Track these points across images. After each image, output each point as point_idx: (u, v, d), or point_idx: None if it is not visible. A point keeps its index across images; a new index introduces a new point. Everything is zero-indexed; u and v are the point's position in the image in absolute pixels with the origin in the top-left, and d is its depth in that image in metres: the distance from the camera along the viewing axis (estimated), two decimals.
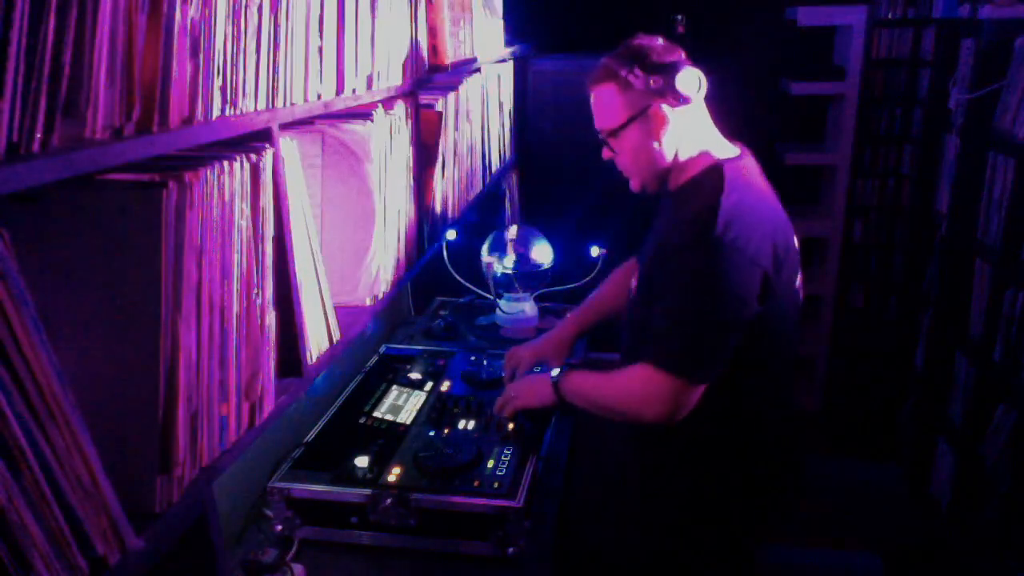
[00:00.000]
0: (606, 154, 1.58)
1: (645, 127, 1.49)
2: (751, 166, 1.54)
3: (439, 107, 1.81)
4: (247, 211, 0.95)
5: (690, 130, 1.51)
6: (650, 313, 1.45)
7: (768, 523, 1.65)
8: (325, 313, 1.23)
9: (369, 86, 1.39)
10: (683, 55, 1.52)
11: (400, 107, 1.53)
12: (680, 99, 1.47)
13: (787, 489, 1.68)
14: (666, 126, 1.48)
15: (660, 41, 1.52)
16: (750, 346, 1.42)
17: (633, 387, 1.45)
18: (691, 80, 1.47)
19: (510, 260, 2.40)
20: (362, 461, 1.55)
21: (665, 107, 1.47)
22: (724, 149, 1.54)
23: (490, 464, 1.58)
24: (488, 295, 2.39)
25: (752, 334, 1.41)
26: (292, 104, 1.09)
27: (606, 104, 1.52)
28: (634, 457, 1.67)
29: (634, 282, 1.60)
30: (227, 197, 0.90)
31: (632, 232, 2.89)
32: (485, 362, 2.02)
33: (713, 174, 1.46)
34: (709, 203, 1.39)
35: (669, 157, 1.51)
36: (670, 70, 1.46)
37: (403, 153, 1.56)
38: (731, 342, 1.40)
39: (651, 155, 1.51)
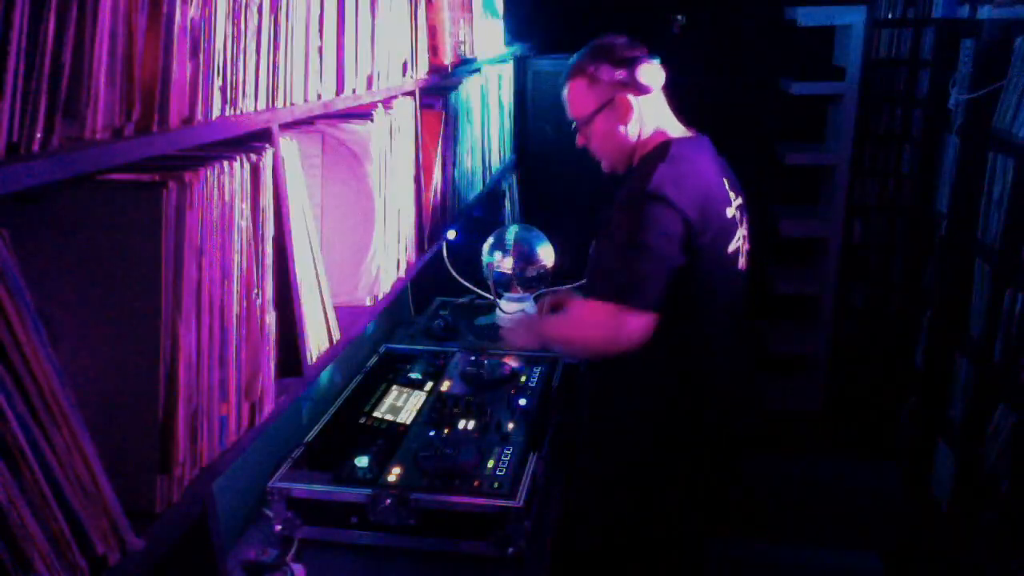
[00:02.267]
0: (580, 141, 1.80)
1: (612, 115, 1.69)
2: (699, 145, 1.74)
3: (439, 107, 1.81)
4: (247, 211, 0.95)
5: (650, 116, 1.72)
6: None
7: (704, 504, 1.83)
8: (325, 313, 1.23)
9: (369, 86, 1.39)
10: (645, 51, 1.72)
11: (400, 107, 1.53)
12: (641, 89, 1.68)
13: (722, 473, 1.86)
14: (630, 113, 1.68)
15: (624, 39, 1.73)
16: (678, 296, 1.58)
17: (584, 317, 1.68)
18: (651, 72, 1.68)
19: (510, 260, 2.40)
20: (362, 461, 1.55)
21: (629, 96, 1.67)
22: (678, 131, 1.74)
23: (490, 464, 1.58)
24: (488, 295, 2.39)
25: (679, 282, 1.57)
26: (292, 104, 1.09)
27: (577, 97, 1.73)
28: (590, 412, 1.85)
29: (594, 243, 1.80)
30: (227, 197, 0.90)
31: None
32: (485, 362, 2.02)
33: (661, 148, 1.66)
34: (650, 169, 1.59)
35: (633, 139, 1.72)
36: (632, 64, 1.67)
37: (403, 153, 1.56)
38: (659, 273, 1.55)
39: (617, 139, 1.71)
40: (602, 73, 1.68)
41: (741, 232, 1.73)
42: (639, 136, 1.72)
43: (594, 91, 1.69)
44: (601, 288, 1.61)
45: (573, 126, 1.78)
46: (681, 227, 1.55)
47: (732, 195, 1.71)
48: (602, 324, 1.58)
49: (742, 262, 1.75)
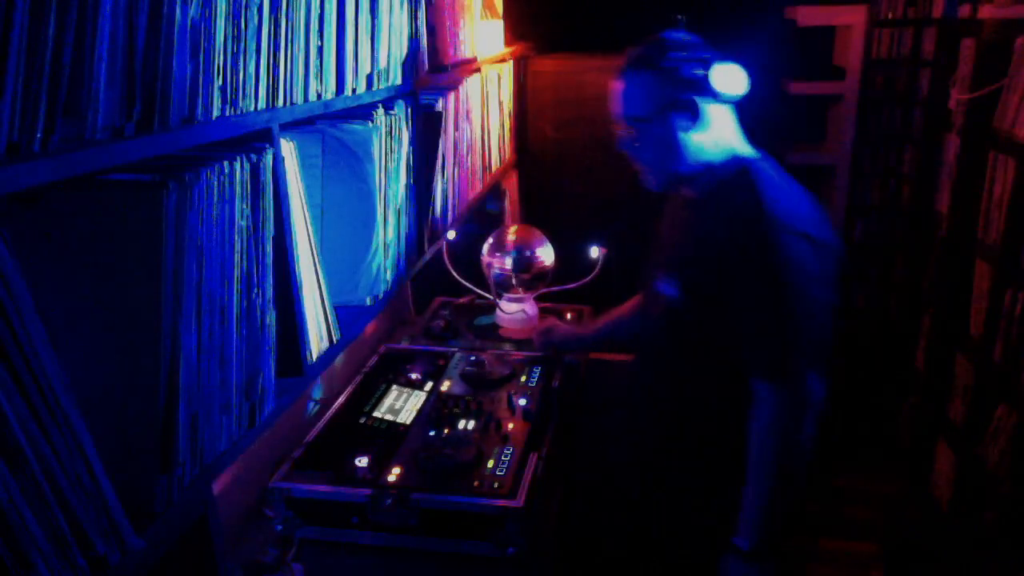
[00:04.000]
0: (622, 143, 1.50)
1: (675, 120, 1.43)
2: (776, 168, 1.50)
3: (439, 107, 1.81)
4: (247, 211, 0.95)
5: (720, 129, 1.46)
6: (703, 324, 1.43)
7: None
8: (325, 313, 1.23)
9: (369, 86, 1.39)
10: (718, 55, 1.48)
11: (400, 107, 1.53)
12: (716, 95, 1.43)
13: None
14: (698, 122, 1.43)
15: (697, 37, 1.48)
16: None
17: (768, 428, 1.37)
18: (731, 76, 1.43)
19: (510, 260, 2.40)
20: (362, 461, 1.55)
21: (700, 101, 1.42)
22: (747, 151, 1.50)
23: (490, 464, 1.58)
24: (488, 295, 2.39)
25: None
26: (292, 104, 1.09)
27: (637, 90, 1.45)
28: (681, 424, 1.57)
29: (665, 287, 1.49)
30: (227, 197, 0.90)
31: (632, 232, 2.90)
32: (485, 362, 2.02)
33: (745, 175, 1.42)
34: (751, 196, 1.37)
35: (694, 155, 1.46)
36: (709, 64, 1.42)
37: (403, 153, 1.56)
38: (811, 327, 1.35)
39: (677, 151, 1.45)
40: (674, 69, 1.42)
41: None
42: (702, 152, 1.46)
43: (659, 87, 1.43)
44: (767, 365, 1.36)
45: (621, 125, 1.50)
46: (818, 263, 1.36)
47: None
48: (776, 414, 1.35)
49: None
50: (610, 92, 1.49)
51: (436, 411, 1.80)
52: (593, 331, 2.01)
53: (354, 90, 1.32)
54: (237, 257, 0.93)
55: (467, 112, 2.12)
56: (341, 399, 1.86)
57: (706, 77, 1.41)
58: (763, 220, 1.33)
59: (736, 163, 1.45)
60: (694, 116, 1.42)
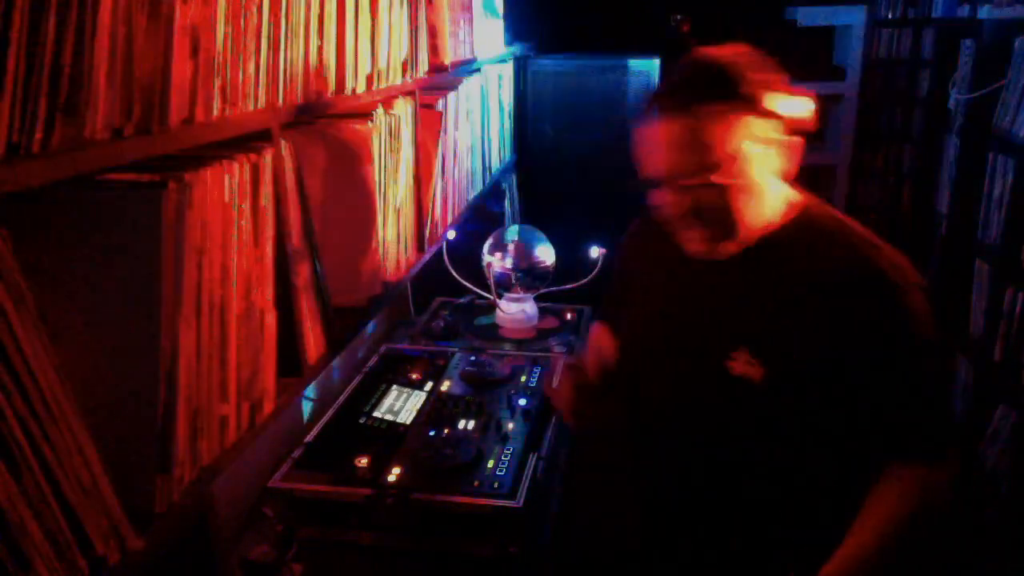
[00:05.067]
0: (664, 202, 1.16)
1: (760, 162, 1.13)
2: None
3: (439, 107, 1.81)
4: (247, 211, 0.95)
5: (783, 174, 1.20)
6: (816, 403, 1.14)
7: None
8: (325, 313, 1.23)
9: (369, 86, 1.39)
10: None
11: (400, 107, 1.53)
12: (800, 130, 1.16)
13: None
14: (787, 161, 1.17)
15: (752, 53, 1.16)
16: None
17: (916, 502, 1.14)
18: (809, 107, 1.17)
19: (510, 260, 2.40)
20: (362, 461, 1.55)
21: (791, 138, 1.15)
22: (795, 190, 1.26)
23: (490, 464, 1.58)
24: (488, 295, 2.39)
25: None
26: (292, 104, 1.09)
27: (710, 132, 1.09)
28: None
29: (744, 368, 1.16)
30: (227, 197, 0.90)
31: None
32: (485, 362, 2.02)
33: (823, 214, 1.25)
34: (853, 246, 1.18)
35: (759, 211, 1.18)
36: (784, 91, 1.14)
37: (403, 153, 1.56)
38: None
39: (760, 198, 1.16)
40: (757, 99, 1.10)
41: None
42: (770, 197, 1.19)
43: (741, 125, 1.09)
44: (923, 449, 1.15)
45: (680, 182, 1.12)
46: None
47: None
48: (942, 491, 1.16)
49: None
50: (653, 143, 1.13)
51: (436, 411, 1.80)
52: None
53: (354, 90, 1.32)
54: (237, 257, 0.93)
55: (467, 112, 2.12)
56: (341, 399, 1.86)
57: (790, 108, 1.14)
58: (897, 267, 1.13)
59: (791, 198, 1.23)
60: (788, 156, 1.16)
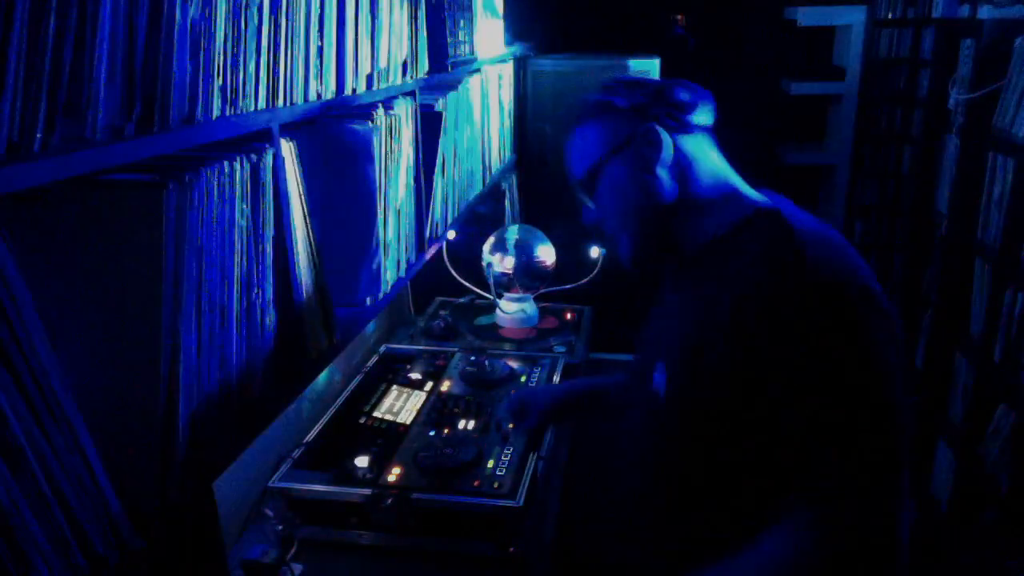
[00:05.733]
0: (588, 217, 1.22)
1: (632, 157, 1.12)
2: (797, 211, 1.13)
3: (439, 107, 1.81)
4: (247, 211, 0.95)
5: (703, 162, 1.14)
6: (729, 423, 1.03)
7: None
8: (325, 313, 1.23)
9: (369, 86, 1.39)
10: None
11: (400, 107, 1.53)
12: (677, 114, 1.13)
13: None
14: (661, 150, 1.11)
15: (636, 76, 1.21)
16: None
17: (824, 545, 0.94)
18: (688, 93, 1.14)
19: (510, 260, 2.40)
20: (362, 461, 1.55)
21: (658, 127, 1.12)
22: (753, 193, 1.15)
23: (490, 464, 1.58)
24: (488, 295, 2.39)
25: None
26: (292, 104, 1.09)
27: (582, 145, 1.18)
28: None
29: (659, 383, 1.13)
30: (227, 197, 0.90)
31: None
32: (485, 362, 2.02)
33: (765, 215, 1.09)
34: (786, 241, 1.03)
35: (671, 192, 1.12)
36: (659, 86, 1.15)
37: (403, 153, 1.56)
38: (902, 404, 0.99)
39: (643, 191, 1.12)
40: (618, 99, 1.15)
41: None
42: (686, 190, 1.13)
43: (606, 129, 1.15)
44: (841, 478, 0.94)
45: (580, 197, 1.22)
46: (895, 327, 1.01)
47: None
48: (846, 534, 0.94)
49: None
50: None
51: (436, 411, 1.80)
52: None
53: (354, 90, 1.32)
54: (237, 257, 0.93)
55: (467, 112, 2.12)
56: (341, 399, 1.86)
57: (659, 97, 1.14)
58: (812, 271, 0.99)
59: (745, 203, 1.13)
60: (654, 145, 1.11)
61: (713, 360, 1.03)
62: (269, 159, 1.00)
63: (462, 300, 2.54)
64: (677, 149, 1.13)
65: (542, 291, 2.45)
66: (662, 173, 1.12)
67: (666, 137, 1.12)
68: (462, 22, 2.01)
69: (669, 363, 1.12)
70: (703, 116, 1.15)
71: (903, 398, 0.98)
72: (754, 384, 0.99)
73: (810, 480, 0.96)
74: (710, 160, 1.15)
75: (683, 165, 1.13)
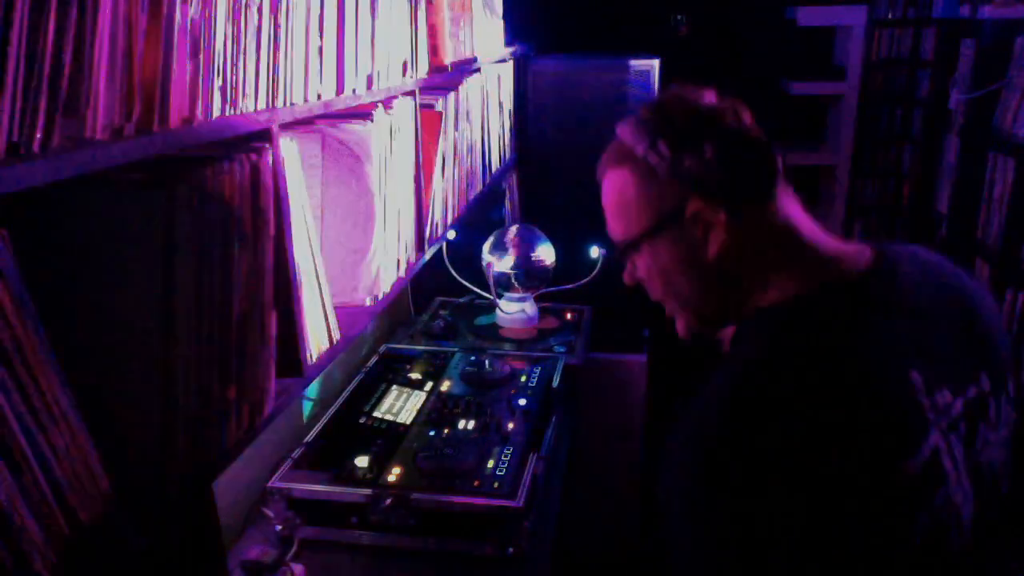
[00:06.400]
0: (628, 275, 1.04)
1: (680, 238, 0.94)
2: (889, 292, 0.89)
3: (439, 107, 1.81)
4: (247, 211, 0.95)
5: (763, 232, 0.93)
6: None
7: None
8: (325, 313, 1.23)
9: (369, 86, 1.39)
10: (744, 116, 0.96)
11: (400, 107, 1.53)
12: (733, 194, 0.91)
13: None
14: (721, 240, 0.91)
15: (706, 96, 0.96)
16: None
17: None
18: (749, 162, 0.92)
19: (510, 260, 2.40)
20: (362, 461, 1.55)
21: (707, 205, 0.91)
22: (825, 264, 0.92)
23: (490, 464, 1.58)
24: (488, 295, 2.39)
25: None
26: (292, 104, 1.09)
27: (619, 201, 0.99)
28: None
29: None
30: (227, 197, 0.90)
31: None
32: (485, 362, 2.02)
33: (775, 318, 0.91)
34: (735, 378, 0.85)
35: (727, 276, 0.94)
36: (713, 146, 0.91)
37: (403, 153, 1.56)
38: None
39: (694, 284, 0.96)
40: (658, 160, 0.93)
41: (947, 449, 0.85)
42: (740, 278, 0.95)
43: (647, 192, 0.95)
44: None
45: (616, 251, 1.04)
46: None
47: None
48: None
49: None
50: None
51: (436, 411, 1.80)
52: None
53: (354, 90, 1.32)
54: (237, 257, 0.93)
55: (467, 112, 2.12)
56: (341, 399, 1.86)
57: (709, 167, 0.91)
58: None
59: (777, 294, 0.92)
60: (705, 231, 0.92)
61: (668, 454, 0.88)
62: (269, 159, 1.00)
63: (462, 300, 2.54)
64: (733, 224, 0.92)
65: (542, 291, 2.45)
66: (715, 257, 0.93)
67: (724, 217, 0.91)
68: (462, 22, 2.01)
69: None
70: (766, 181, 0.93)
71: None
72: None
73: None
74: (773, 228, 0.93)
75: (742, 242, 0.92)
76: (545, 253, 2.45)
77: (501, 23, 2.66)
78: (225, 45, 0.90)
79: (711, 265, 0.93)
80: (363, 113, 1.37)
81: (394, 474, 1.54)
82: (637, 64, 2.91)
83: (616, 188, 0.99)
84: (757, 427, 0.79)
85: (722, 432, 0.81)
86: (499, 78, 2.58)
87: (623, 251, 1.01)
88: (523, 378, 1.99)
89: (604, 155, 1.03)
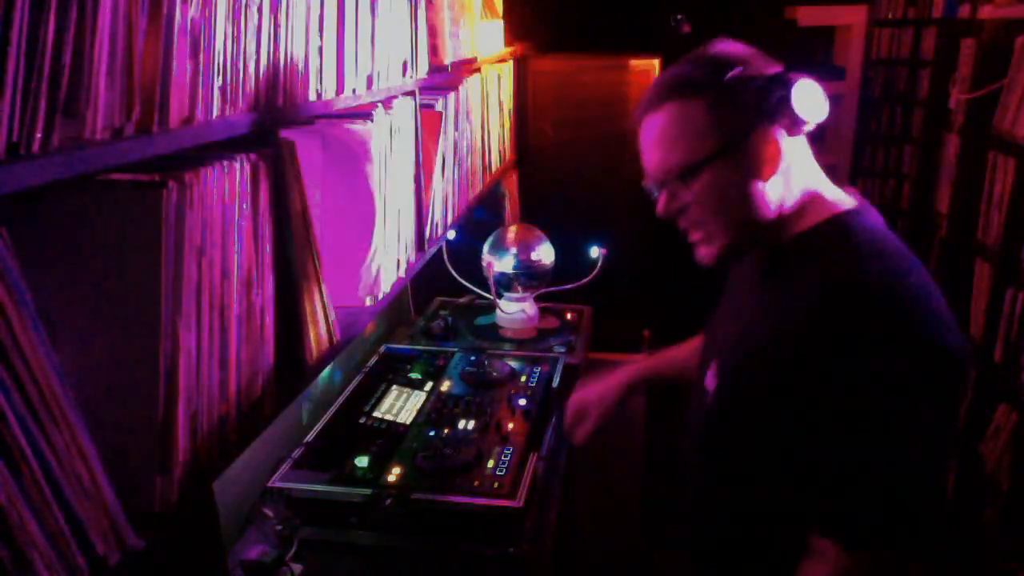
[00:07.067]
0: (665, 206, 1.10)
1: (745, 161, 1.04)
2: (880, 222, 1.09)
3: (439, 107, 1.81)
4: (247, 211, 0.95)
5: (800, 165, 1.08)
6: (751, 437, 1.05)
7: None
8: (325, 313, 1.23)
9: (369, 86, 1.39)
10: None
11: (400, 107, 1.53)
12: (797, 123, 1.04)
13: None
14: (778, 161, 1.04)
15: (750, 48, 1.10)
16: None
17: None
18: (813, 97, 1.05)
19: (510, 260, 2.40)
20: (362, 461, 1.55)
21: (778, 133, 1.04)
22: (837, 195, 1.11)
23: (490, 464, 1.58)
24: (488, 295, 2.39)
25: None
26: (292, 104, 1.09)
27: (683, 130, 1.05)
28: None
29: (711, 381, 1.13)
30: (227, 197, 0.90)
31: (632, 232, 2.90)
32: (485, 362, 2.02)
33: (853, 228, 1.04)
34: (852, 275, 0.97)
35: (775, 205, 1.06)
36: (783, 83, 1.04)
37: (403, 153, 1.56)
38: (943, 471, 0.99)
39: (752, 201, 1.05)
40: (736, 92, 1.03)
41: None
42: (782, 201, 1.07)
43: (717, 120, 1.03)
44: (859, 527, 0.93)
45: (658, 182, 1.10)
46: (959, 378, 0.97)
47: None
48: None
49: None
50: (642, 140, 1.10)
51: (436, 411, 1.80)
52: None
53: (354, 90, 1.32)
54: (237, 257, 0.93)
55: (467, 112, 2.12)
56: (341, 399, 1.86)
57: (783, 99, 1.04)
58: (866, 299, 0.94)
59: (824, 207, 1.08)
60: (772, 155, 1.04)
61: (759, 373, 1.03)
62: (269, 159, 1.00)
63: (462, 300, 2.54)
64: (788, 146, 1.05)
65: (542, 291, 2.45)
66: (773, 183, 1.05)
67: (785, 144, 1.05)
68: (462, 22, 2.01)
69: (721, 364, 1.13)
70: (820, 116, 1.06)
71: (944, 458, 0.96)
72: (794, 407, 0.97)
73: (831, 524, 0.95)
74: (806, 162, 1.10)
75: (788, 172, 1.07)
76: (545, 253, 2.45)
77: (501, 23, 2.66)
78: (225, 45, 0.90)
79: (766, 186, 1.05)
80: (363, 113, 1.37)
81: (394, 474, 1.54)
82: (637, 64, 2.91)
83: (678, 118, 1.05)
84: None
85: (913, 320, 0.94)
86: (499, 78, 2.58)
87: (681, 177, 1.06)
88: (523, 378, 1.99)
89: (654, 93, 1.08)
